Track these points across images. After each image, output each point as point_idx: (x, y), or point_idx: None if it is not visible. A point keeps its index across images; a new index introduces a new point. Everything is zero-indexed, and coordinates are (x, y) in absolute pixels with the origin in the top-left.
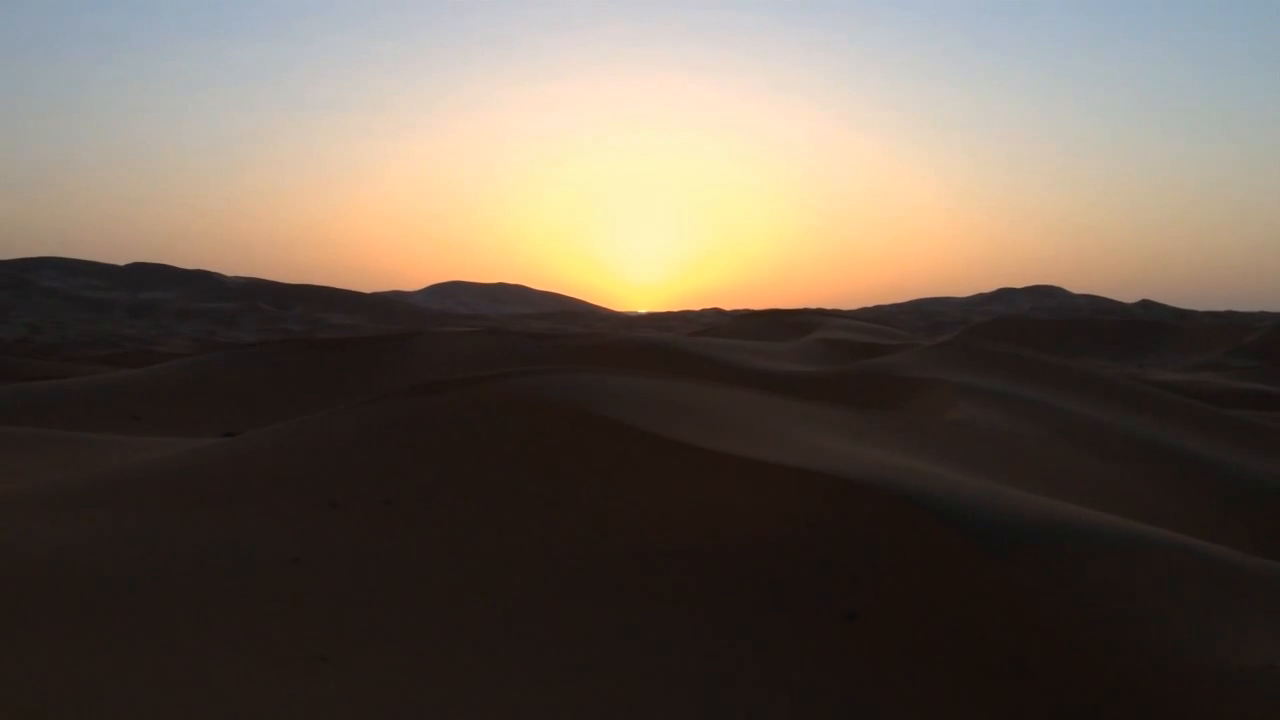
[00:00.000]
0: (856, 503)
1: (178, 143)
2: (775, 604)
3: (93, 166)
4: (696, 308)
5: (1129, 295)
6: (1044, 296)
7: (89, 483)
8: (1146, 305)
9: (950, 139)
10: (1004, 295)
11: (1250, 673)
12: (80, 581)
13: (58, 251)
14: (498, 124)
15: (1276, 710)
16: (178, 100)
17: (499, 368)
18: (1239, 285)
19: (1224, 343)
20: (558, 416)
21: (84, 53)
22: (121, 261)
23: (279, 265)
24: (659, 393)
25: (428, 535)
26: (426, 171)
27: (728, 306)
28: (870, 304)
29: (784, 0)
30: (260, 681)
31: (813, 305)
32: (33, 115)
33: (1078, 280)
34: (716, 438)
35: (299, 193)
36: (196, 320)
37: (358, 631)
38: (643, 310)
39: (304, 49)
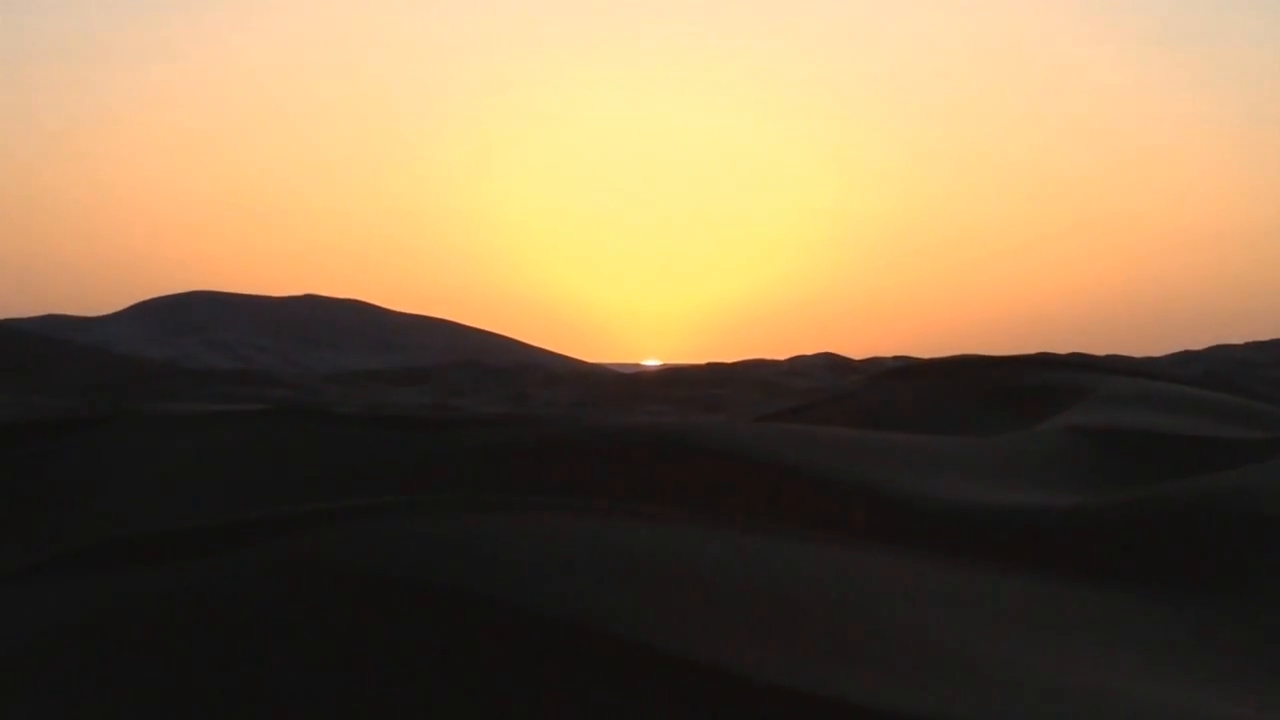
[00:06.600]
0: None
1: None
2: None
3: None
4: (780, 356)
5: None
6: None
7: None
8: None
9: None
10: None
11: None
12: None
13: None
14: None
15: None
16: None
17: (299, 497)
18: None
19: None
20: (408, 605)
21: None
22: None
23: None
24: (673, 556)
25: None
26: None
27: (856, 353)
28: (1200, 344)
29: None
30: None
31: (1064, 349)
32: None
33: None
34: (807, 664)
35: None
36: None
37: None
38: (654, 361)
39: None
